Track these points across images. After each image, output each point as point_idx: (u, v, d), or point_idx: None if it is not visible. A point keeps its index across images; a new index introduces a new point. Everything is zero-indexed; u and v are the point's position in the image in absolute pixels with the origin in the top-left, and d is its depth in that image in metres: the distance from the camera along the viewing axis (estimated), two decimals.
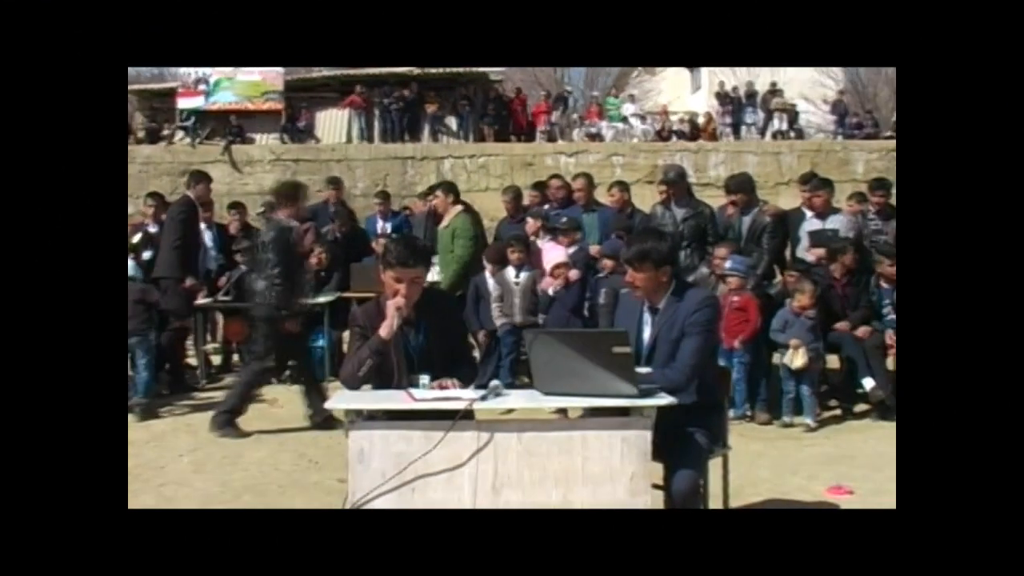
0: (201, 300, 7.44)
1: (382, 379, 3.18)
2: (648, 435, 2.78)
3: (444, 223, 6.81)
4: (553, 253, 6.17)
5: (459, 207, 6.78)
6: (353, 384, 3.17)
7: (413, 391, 2.98)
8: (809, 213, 6.51)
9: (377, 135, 17.66)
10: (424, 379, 3.07)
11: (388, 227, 8.38)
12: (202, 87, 17.83)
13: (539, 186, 7.84)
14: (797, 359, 5.46)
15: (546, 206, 7.27)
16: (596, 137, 18.24)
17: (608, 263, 6.02)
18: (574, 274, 6.04)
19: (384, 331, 3.14)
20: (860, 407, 5.85)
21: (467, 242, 6.53)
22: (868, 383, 5.53)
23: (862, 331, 5.68)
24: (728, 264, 5.71)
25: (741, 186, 6.38)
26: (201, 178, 7.22)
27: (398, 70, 17.90)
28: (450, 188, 6.98)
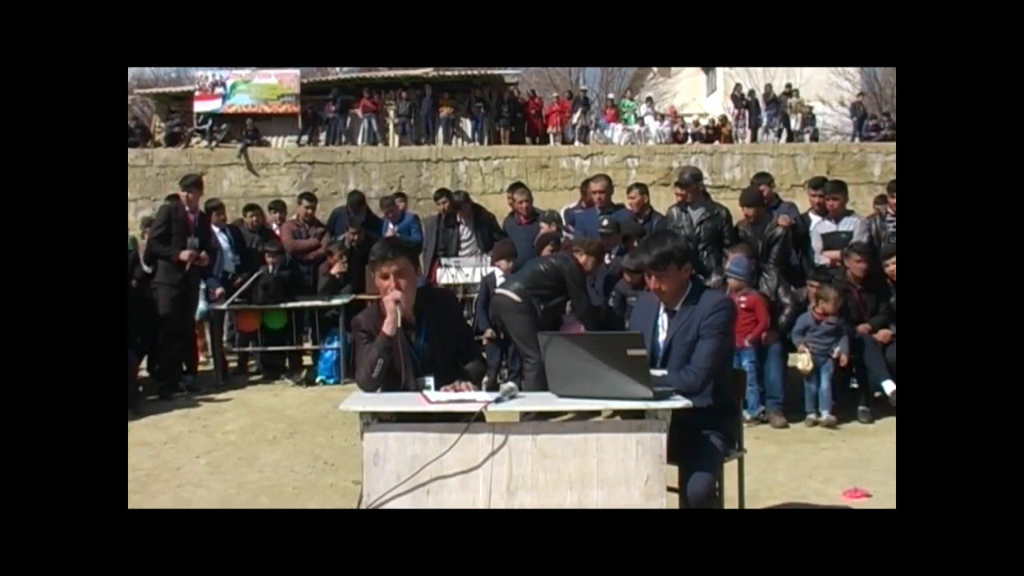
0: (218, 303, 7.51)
1: (392, 380, 3.17)
2: (663, 438, 2.77)
3: None
4: None
5: None
6: (370, 387, 3.15)
7: (427, 393, 2.98)
8: (817, 219, 6.63)
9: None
10: (428, 381, 3.06)
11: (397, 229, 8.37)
12: (219, 90, 17.91)
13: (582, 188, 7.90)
14: (801, 362, 5.58)
15: (563, 209, 7.21)
16: (609, 139, 18.22)
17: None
18: None
19: (387, 328, 3.13)
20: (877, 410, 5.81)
21: None
22: (887, 386, 5.49)
23: (882, 334, 5.65)
24: (730, 265, 5.72)
25: (752, 201, 6.58)
26: (196, 182, 7.34)
27: (413, 72, 17.94)
28: None
